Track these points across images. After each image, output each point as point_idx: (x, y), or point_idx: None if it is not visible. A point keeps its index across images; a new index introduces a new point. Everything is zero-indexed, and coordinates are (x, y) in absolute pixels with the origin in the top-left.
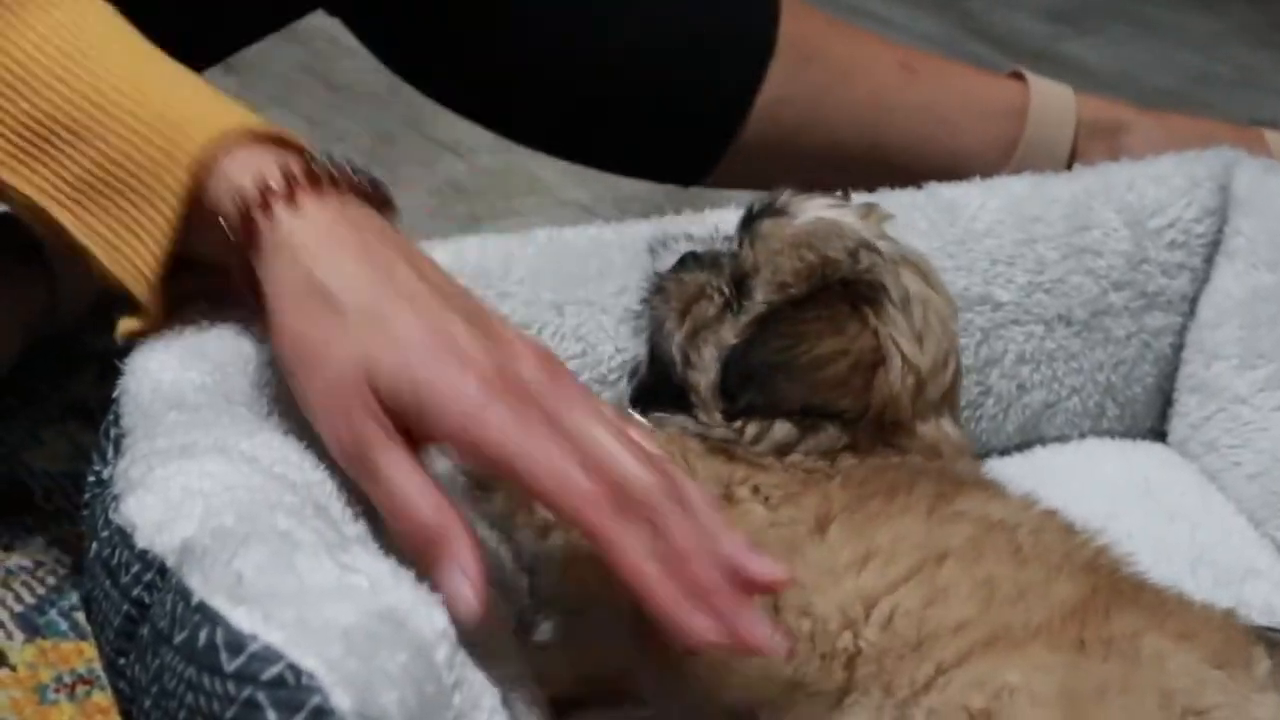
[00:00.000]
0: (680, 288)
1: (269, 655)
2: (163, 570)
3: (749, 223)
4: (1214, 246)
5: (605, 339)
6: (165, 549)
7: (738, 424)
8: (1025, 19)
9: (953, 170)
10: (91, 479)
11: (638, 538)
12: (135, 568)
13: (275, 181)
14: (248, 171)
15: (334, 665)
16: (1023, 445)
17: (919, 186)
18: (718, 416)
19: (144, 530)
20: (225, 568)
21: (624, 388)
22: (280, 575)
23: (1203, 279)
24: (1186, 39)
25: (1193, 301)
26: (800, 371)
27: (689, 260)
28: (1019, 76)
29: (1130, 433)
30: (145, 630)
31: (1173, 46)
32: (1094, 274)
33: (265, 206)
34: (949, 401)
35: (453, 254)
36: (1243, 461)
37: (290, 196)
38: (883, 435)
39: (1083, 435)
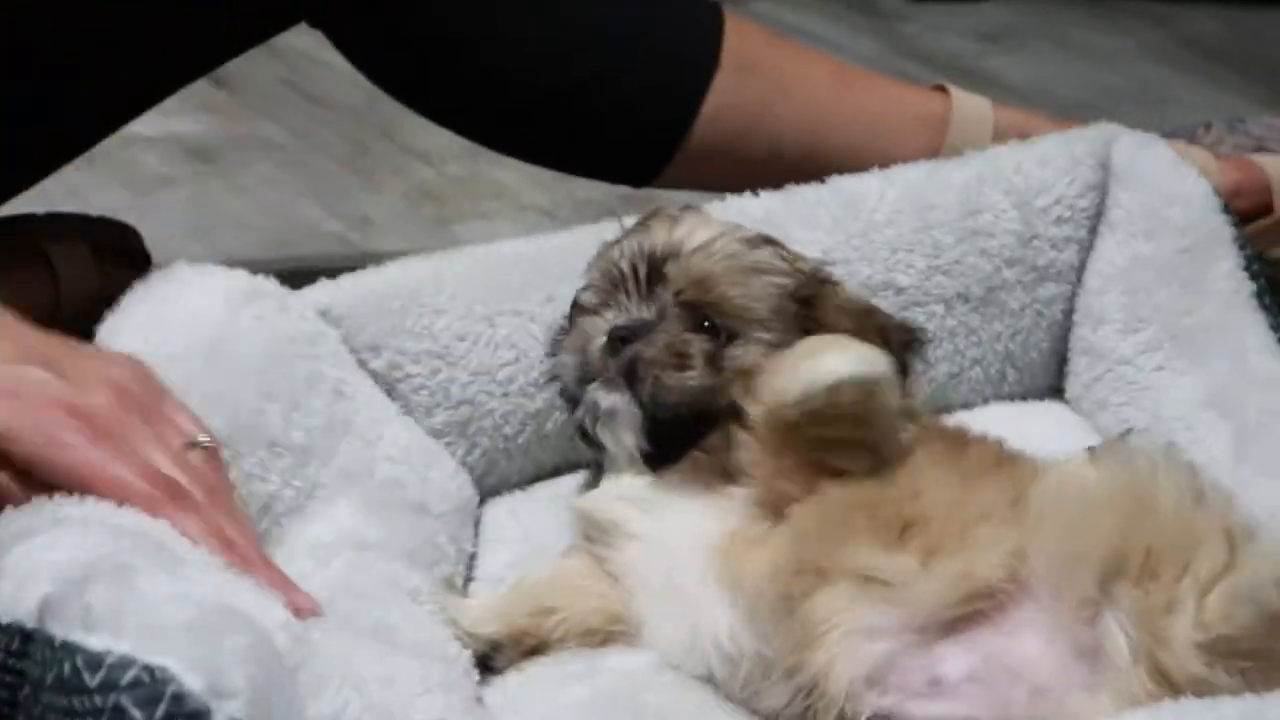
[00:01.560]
0: (657, 352)
1: (124, 663)
2: (24, 635)
3: (652, 276)
4: (1097, 218)
5: (535, 345)
6: (24, 614)
7: None
8: (952, 39)
9: None
10: None
11: (188, 518)
12: (3, 642)
13: None
14: None
15: (181, 655)
16: (933, 413)
17: (822, 180)
18: None
19: (3, 607)
20: (76, 605)
21: (551, 391)
22: (123, 596)
23: (1088, 249)
24: (1096, 56)
25: (1080, 270)
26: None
27: (624, 336)
28: (942, 89)
29: (1030, 394)
30: (24, 691)
31: (1084, 63)
32: (987, 254)
33: None
34: None
35: (384, 276)
36: (1129, 418)
37: None
38: None
39: (986, 401)
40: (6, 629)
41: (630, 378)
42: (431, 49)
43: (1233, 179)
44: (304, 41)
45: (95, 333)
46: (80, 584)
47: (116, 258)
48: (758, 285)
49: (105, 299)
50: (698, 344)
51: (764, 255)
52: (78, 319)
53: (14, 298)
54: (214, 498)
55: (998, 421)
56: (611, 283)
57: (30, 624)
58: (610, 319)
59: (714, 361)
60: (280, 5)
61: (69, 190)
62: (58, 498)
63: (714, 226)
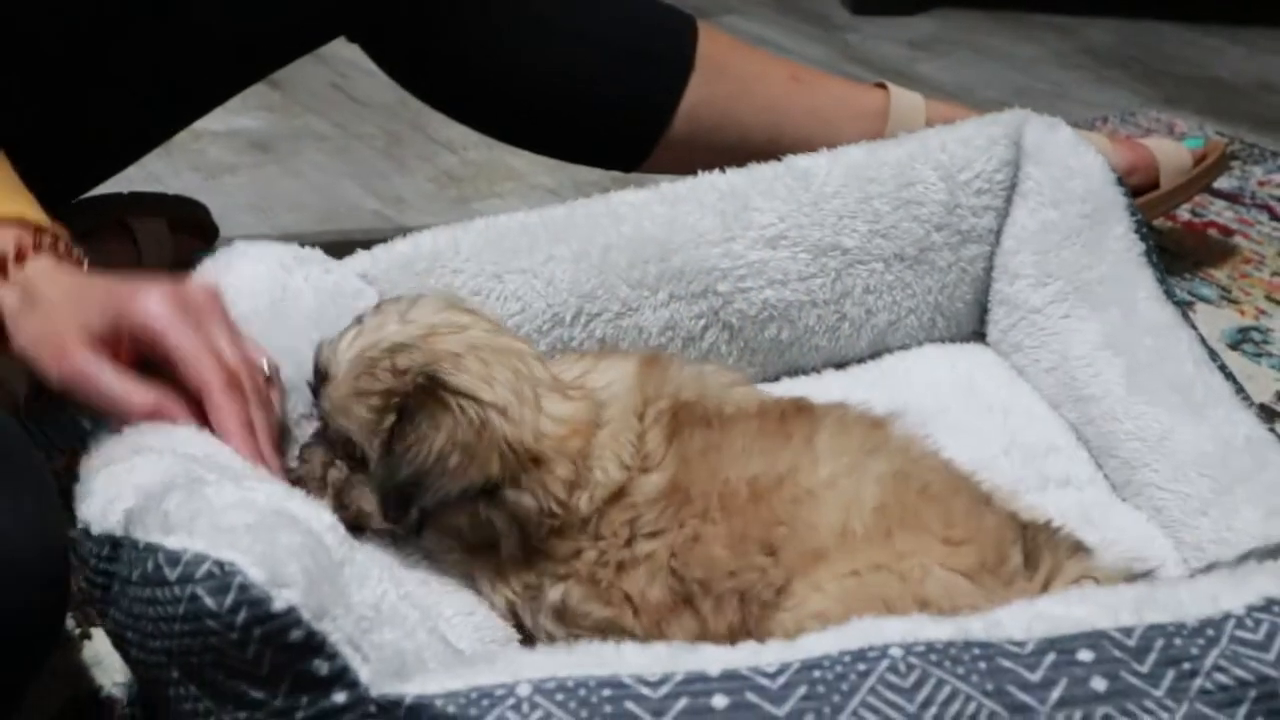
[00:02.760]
0: (309, 469)
1: (198, 559)
2: (114, 543)
3: (316, 399)
4: (1011, 189)
5: (538, 297)
6: (113, 525)
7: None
8: (890, 46)
9: None
10: None
11: (231, 405)
12: (96, 550)
13: (14, 248)
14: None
15: (245, 551)
16: (874, 355)
17: (779, 159)
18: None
19: (95, 521)
20: (155, 513)
21: (555, 336)
22: (195, 504)
23: (1004, 215)
24: (1012, 62)
25: (997, 234)
26: (434, 473)
27: (313, 440)
28: (882, 86)
29: (957, 338)
30: (115, 588)
31: (1002, 67)
32: (919, 220)
33: (18, 259)
34: (545, 387)
35: (412, 244)
36: (1041, 359)
37: (20, 257)
38: (542, 468)
39: (920, 344)
40: (98, 539)
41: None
42: (449, 61)
43: (1127, 159)
44: (347, 51)
45: None
46: (159, 496)
47: (189, 230)
48: (358, 412)
49: (179, 265)
50: (332, 473)
51: (374, 376)
52: None
53: (101, 264)
54: (258, 397)
55: (931, 360)
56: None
57: (118, 533)
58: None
59: (340, 495)
60: (321, 24)
61: (149, 175)
62: (135, 429)
63: (368, 337)
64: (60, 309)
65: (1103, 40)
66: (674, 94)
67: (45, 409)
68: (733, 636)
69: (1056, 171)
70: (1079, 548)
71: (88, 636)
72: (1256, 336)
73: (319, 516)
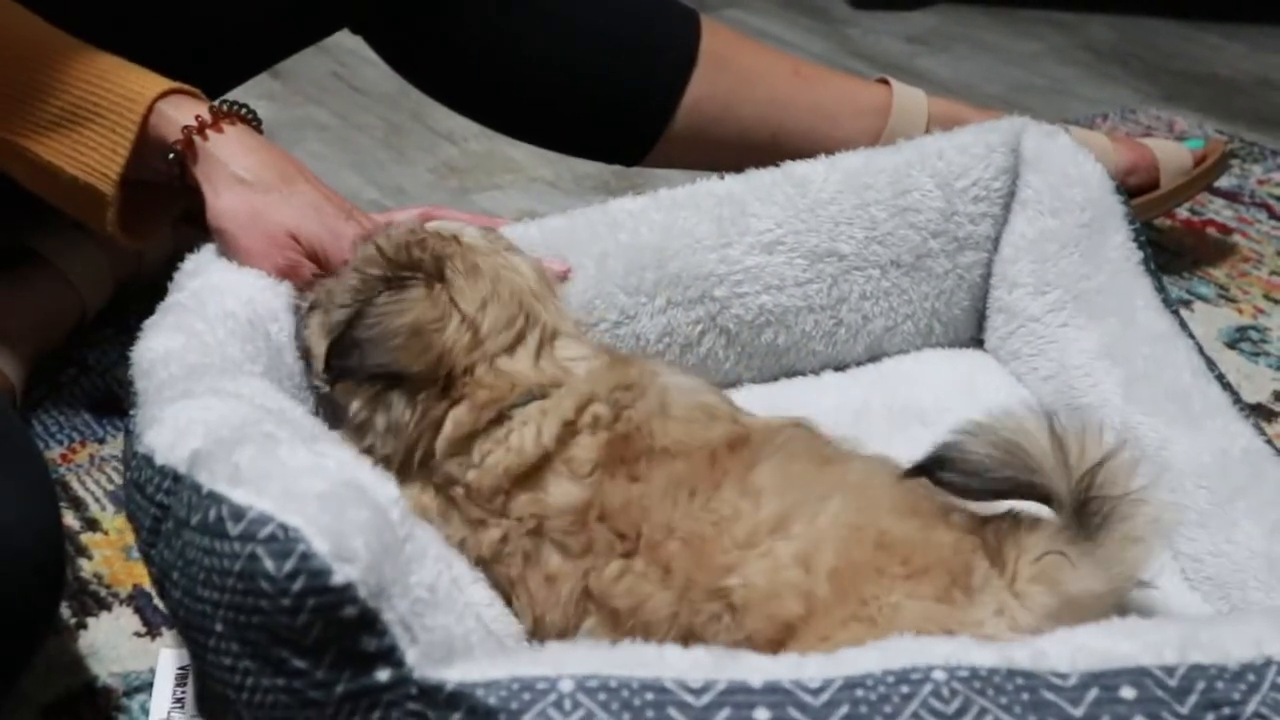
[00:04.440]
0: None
1: (263, 519)
2: (176, 477)
3: None
4: (1010, 197)
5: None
6: (177, 460)
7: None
8: (890, 41)
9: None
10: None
11: None
12: (156, 480)
13: (203, 117)
14: (184, 112)
15: (312, 520)
16: (872, 359)
17: (777, 165)
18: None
19: (160, 451)
20: (225, 462)
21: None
22: (267, 462)
23: (1002, 223)
24: (1012, 57)
25: (995, 241)
26: (379, 340)
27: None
28: (884, 82)
29: (955, 344)
30: (168, 524)
31: (1002, 63)
32: (916, 227)
33: (200, 131)
34: (524, 347)
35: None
36: (1039, 367)
37: (213, 125)
38: (451, 387)
39: (919, 348)
40: (160, 469)
41: None
42: (450, 53)
43: (1127, 159)
44: (348, 41)
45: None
46: (230, 445)
47: (189, 219)
48: (364, 255)
49: (177, 257)
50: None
51: (399, 245)
52: (156, 274)
53: (106, 257)
54: None
55: (931, 366)
56: None
57: (182, 470)
58: None
59: (303, 321)
60: (325, 18)
61: None
62: (213, 375)
63: (436, 225)
64: (272, 200)
65: (1102, 37)
66: (676, 88)
67: (42, 400)
68: None
69: (1055, 179)
70: (1036, 520)
71: (83, 626)
72: (1254, 335)
73: (385, 489)
